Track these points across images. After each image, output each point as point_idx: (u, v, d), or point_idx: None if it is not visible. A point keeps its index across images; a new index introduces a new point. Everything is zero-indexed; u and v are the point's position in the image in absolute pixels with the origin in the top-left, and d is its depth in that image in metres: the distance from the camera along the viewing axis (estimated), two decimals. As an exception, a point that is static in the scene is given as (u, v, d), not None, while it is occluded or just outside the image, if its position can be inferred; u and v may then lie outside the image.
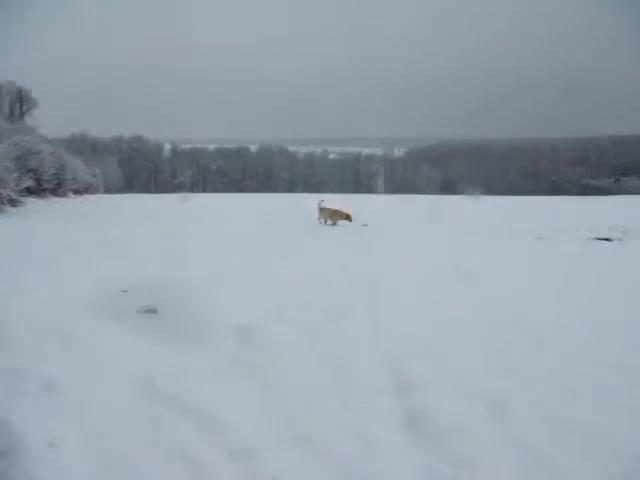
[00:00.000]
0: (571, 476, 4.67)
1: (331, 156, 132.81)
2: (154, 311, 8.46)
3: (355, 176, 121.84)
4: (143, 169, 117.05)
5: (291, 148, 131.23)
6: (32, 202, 37.40)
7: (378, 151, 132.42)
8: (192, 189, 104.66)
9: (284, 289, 10.73)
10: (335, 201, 27.51)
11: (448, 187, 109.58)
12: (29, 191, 38.39)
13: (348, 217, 23.68)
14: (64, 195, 47.98)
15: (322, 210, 24.18)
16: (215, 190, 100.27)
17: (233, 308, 9.00)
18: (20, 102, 64.92)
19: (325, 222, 23.89)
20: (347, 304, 9.89)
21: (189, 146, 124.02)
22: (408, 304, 9.96)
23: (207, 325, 8.06)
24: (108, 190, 71.57)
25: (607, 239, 19.55)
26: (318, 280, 11.67)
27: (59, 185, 46.88)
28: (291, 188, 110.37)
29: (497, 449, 5.07)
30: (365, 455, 4.98)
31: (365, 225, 23.51)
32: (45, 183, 43.04)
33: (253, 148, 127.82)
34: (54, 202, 41.41)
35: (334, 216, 23.83)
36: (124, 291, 9.46)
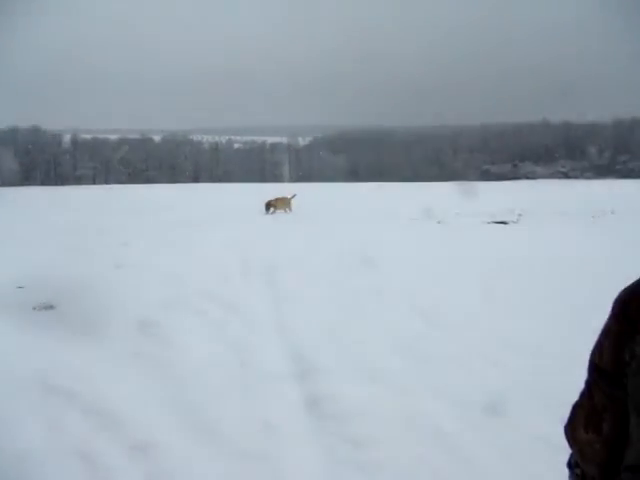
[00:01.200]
0: (468, 451, 4.84)
1: (236, 145, 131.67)
2: (51, 307, 8.27)
3: (261, 165, 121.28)
4: (42, 161, 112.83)
5: (195, 138, 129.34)
6: None
7: (283, 140, 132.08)
8: (94, 181, 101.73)
9: (185, 280, 10.66)
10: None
11: (353, 175, 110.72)
12: None
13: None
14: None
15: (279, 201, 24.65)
16: (119, 181, 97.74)
17: (133, 301, 8.91)
18: None
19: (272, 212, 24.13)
20: (249, 293, 9.94)
21: (90, 137, 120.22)
22: (311, 291, 10.10)
23: (106, 319, 7.94)
24: (4, 183, 68.63)
25: (503, 222, 20.38)
26: (220, 270, 11.67)
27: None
28: (196, 178, 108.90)
29: (398, 428, 5.20)
30: (268, 441, 4.99)
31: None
32: None
33: (157, 138, 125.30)
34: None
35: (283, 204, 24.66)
36: (20, 287, 9.21)
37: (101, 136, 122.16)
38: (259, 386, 6.13)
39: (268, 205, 23.90)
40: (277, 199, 24.45)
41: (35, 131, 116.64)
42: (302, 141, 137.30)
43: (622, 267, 4.41)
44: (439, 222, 20.38)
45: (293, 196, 24.97)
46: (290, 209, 24.47)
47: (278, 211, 24.08)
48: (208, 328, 8.03)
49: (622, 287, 1.61)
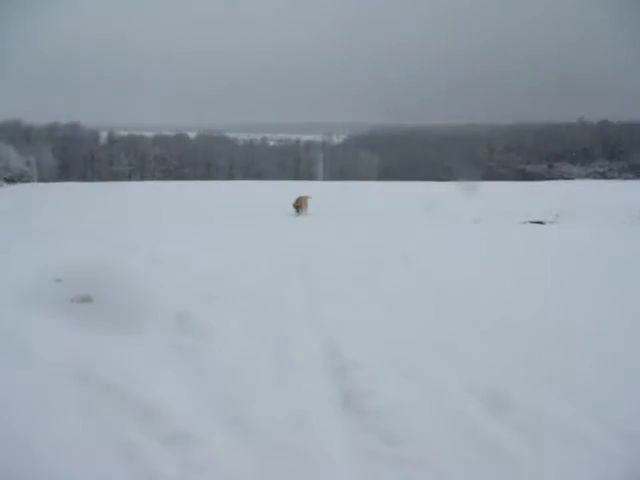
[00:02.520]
0: (503, 446, 4.79)
1: (271, 143, 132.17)
2: (89, 300, 8.35)
3: (295, 163, 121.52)
4: (79, 157, 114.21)
5: (230, 135, 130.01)
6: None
7: (317, 137, 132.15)
8: (130, 177, 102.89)
9: (221, 275, 10.73)
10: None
11: (386, 173, 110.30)
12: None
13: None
14: (-4, 183, 46.64)
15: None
16: (155, 178, 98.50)
17: (170, 294, 8.98)
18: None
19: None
20: (283, 288, 10.01)
21: (126, 133, 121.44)
22: (345, 287, 10.11)
23: (144, 312, 7.98)
24: (43, 179, 69.76)
25: (540, 222, 20.32)
26: (254, 265, 11.77)
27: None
28: (231, 176, 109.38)
29: (433, 426, 5.15)
30: (301, 436, 4.99)
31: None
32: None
33: (192, 135, 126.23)
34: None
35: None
36: (58, 281, 9.30)
37: (137, 133, 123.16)
38: (293, 380, 6.13)
39: (297, 207, 24.28)
40: (299, 199, 24.63)
41: (74, 127, 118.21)
42: (336, 139, 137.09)
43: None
44: (476, 222, 20.28)
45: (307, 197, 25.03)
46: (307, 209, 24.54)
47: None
48: (243, 322, 8.07)
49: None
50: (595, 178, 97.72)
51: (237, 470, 4.51)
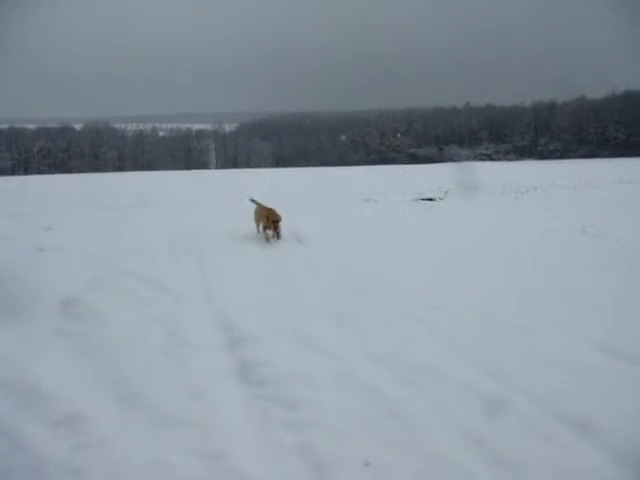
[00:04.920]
0: (400, 406, 4.86)
1: (161, 133, 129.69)
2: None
3: (186, 153, 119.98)
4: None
5: (118, 126, 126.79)
6: None
7: (208, 127, 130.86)
8: (13, 172, 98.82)
9: (108, 260, 10.57)
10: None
11: (279, 161, 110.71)
12: None
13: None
14: None
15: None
16: (40, 172, 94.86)
17: (56, 280, 8.71)
18: None
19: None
20: (175, 270, 9.94)
21: (6, 126, 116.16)
22: (235, 266, 10.24)
23: (30, 300, 7.70)
24: None
25: (430, 199, 21.13)
26: (145, 249, 11.72)
27: None
28: (120, 167, 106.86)
29: (331, 389, 5.19)
30: (197, 408, 4.91)
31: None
32: None
33: (77, 127, 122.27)
34: None
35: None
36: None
37: (19, 125, 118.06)
38: (188, 356, 6.03)
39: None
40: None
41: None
42: (228, 127, 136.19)
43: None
44: (366, 200, 20.82)
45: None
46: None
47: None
48: (133, 304, 7.92)
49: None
50: (482, 160, 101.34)
51: (129, 446, 4.36)
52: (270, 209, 12.82)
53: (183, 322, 7.12)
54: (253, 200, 13.88)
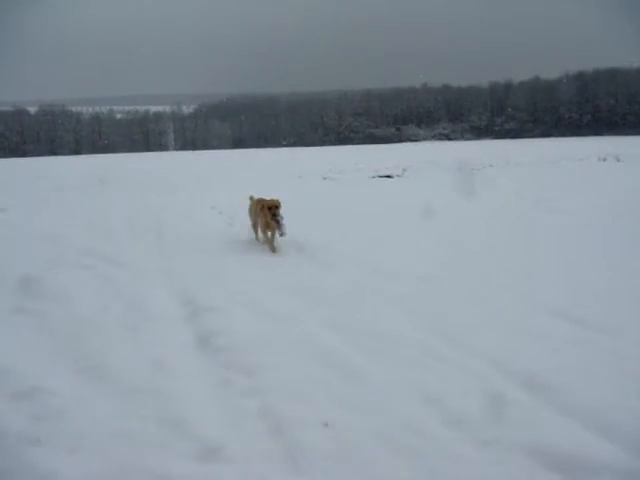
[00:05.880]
0: (358, 369, 4.99)
1: (118, 116, 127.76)
2: None
3: (144, 135, 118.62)
4: None
5: (74, 109, 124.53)
6: None
7: (166, 109, 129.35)
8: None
9: (66, 239, 10.57)
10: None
11: (239, 142, 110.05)
12: None
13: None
14: None
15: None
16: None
17: (14, 260, 8.72)
18: None
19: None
20: (134, 247, 10.01)
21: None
22: (192, 240, 10.46)
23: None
24: None
25: (388, 176, 21.52)
26: (103, 227, 11.77)
27: None
28: (77, 150, 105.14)
29: (289, 355, 5.30)
30: (158, 377, 4.94)
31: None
32: None
33: (32, 110, 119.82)
34: None
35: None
36: None
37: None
38: (149, 328, 6.08)
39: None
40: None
41: None
42: (187, 109, 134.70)
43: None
44: (324, 178, 21.08)
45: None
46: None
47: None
48: (93, 280, 7.92)
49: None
50: (440, 139, 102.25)
51: (89, 416, 4.39)
52: (264, 199, 10.20)
53: (142, 296, 7.14)
54: (252, 198, 10.88)
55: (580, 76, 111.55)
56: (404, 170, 24.11)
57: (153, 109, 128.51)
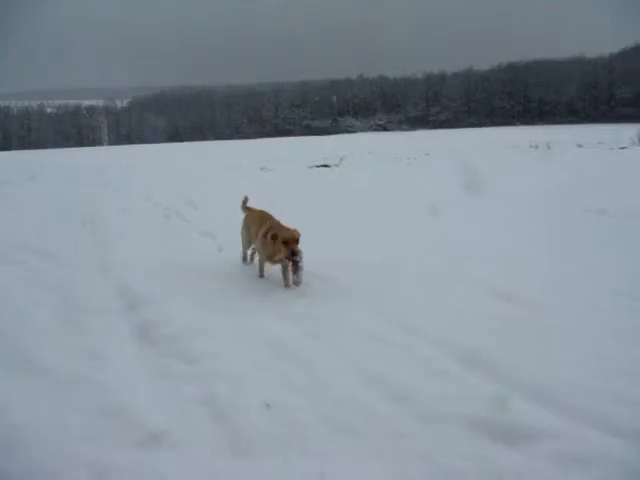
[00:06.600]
0: (302, 354, 5.05)
1: (49, 110, 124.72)
2: None
3: (77, 130, 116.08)
4: None
5: (2, 103, 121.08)
6: None
7: (100, 102, 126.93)
8: None
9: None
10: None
11: (174, 136, 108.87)
12: None
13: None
14: None
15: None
16: None
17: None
18: None
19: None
20: (67, 240, 9.88)
21: None
22: (128, 232, 10.36)
23: None
24: None
25: (326, 165, 21.90)
26: (33, 221, 11.62)
27: None
28: (6, 146, 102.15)
29: (232, 343, 5.30)
30: (95, 368, 4.84)
31: None
32: None
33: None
34: None
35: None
36: None
37: None
38: (84, 320, 5.98)
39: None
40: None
41: None
42: (120, 103, 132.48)
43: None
44: (262, 169, 21.24)
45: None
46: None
47: None
48: (25, 274, 7.77)
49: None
50: (376, 130, 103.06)
51: (25, 410, 4.26)
52: (277, 223, 7.53)
53: (78, 289, 7.00)
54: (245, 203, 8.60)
55: (511, 67, 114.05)
56: (341, 159, 24.66)
57: (86, 103, 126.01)
